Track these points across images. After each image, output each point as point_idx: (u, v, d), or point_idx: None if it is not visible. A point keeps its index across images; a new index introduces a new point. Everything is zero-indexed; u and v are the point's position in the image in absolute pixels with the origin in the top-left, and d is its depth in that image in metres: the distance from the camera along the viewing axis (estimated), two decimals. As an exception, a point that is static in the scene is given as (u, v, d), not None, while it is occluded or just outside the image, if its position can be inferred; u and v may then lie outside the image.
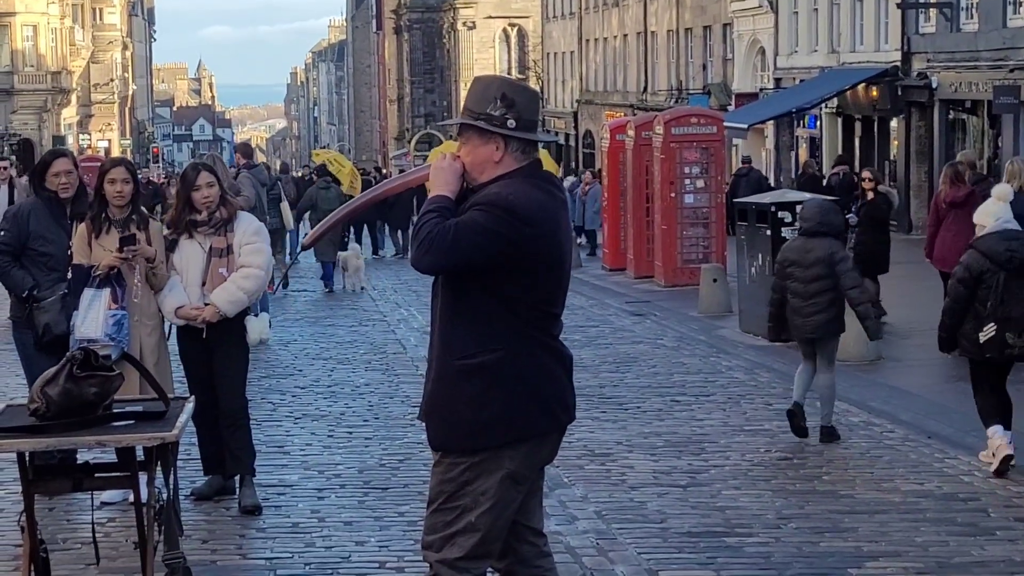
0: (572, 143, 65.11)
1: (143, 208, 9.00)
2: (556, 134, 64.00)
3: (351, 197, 26.33)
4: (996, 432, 9.86)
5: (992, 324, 9.85)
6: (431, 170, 5.42)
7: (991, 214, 10.26)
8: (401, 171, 37.22)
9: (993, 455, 9.85)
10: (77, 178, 9.34)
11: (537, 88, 55.63)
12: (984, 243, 10.07)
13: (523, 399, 5.29)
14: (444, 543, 5.33)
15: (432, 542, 5.37)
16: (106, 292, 8.51)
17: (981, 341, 9.92)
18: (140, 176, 11.76)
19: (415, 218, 25.76)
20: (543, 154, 29.30)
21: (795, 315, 11.06)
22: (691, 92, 48.98)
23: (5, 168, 18.79)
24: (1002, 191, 10.55)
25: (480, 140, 5.32)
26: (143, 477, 6.63)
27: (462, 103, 5.47)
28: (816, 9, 39.87)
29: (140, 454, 6.64)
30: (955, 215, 15.22)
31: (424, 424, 5.48)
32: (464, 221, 5.18)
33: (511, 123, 5.29)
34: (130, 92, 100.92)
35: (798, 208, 13.08)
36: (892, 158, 36.17)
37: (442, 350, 5.36)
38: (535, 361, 5.31)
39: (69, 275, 8.83)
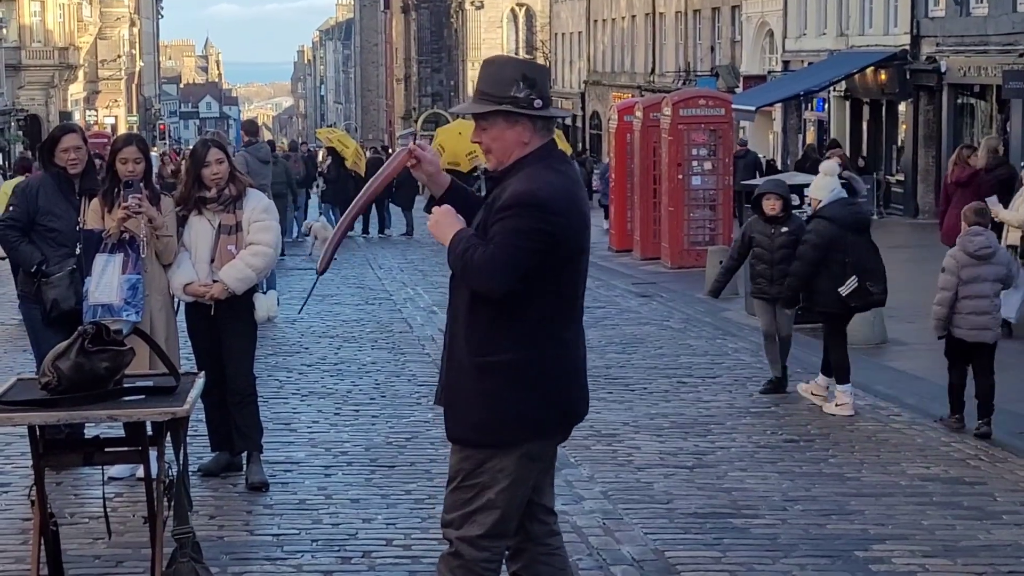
0: (580, 124, 65.01)
1: (155, 184, 9.00)
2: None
3: (291, 174, 26.49)
4: (847, 389, 11.41)
5: (854, 277, 11.27)
6: (430, 227, 5.39)
7: (824, 187, 11.74)
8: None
9: (836, 407, 11.34)
10: (86, 153, 9.34)
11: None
12: (828, 211, 11.49)
13: (539, 400, 5.26)
14: (464, 520, 5.31)
15: (452, 520, 5.36)
16: (119, 257, 8.52)
17: (844, 294, 11.31)
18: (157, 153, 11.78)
19: (421, 197, 25.61)
20: (557, 134, 29.31)
21: (760, 278, 12.22)
22: (699, 74, 48.92)
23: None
24: (829, 167, 12.40)
25: (507, 124, 5.26)
26: (153, 452, 6.65)
27: (472, 87, 5.44)
28: (825, -8, 39.80)
29: (149, 429, 6.66)
30: (961, 194, 16.05)
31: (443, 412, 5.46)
32: (502, 233, 5.11)
33: (538, 103, 5.25)
34: (137, 69, 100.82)
35: (805, 191, 14.39)
36: (900, 142, 36.13)
37: (462, 344, 5.29)
38: (555, 360, 5.28)
39: (80, 243, 8.85)
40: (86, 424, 7.83)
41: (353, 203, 5.90)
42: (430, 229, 5.41)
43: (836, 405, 11.39)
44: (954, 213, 15.47)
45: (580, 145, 59.00)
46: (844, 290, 11.28)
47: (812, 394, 11.78)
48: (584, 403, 5.50)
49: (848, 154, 36.25)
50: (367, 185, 5.81)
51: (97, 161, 9.23)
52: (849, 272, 11.29)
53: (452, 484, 5.38)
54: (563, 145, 30.20)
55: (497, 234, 5.13)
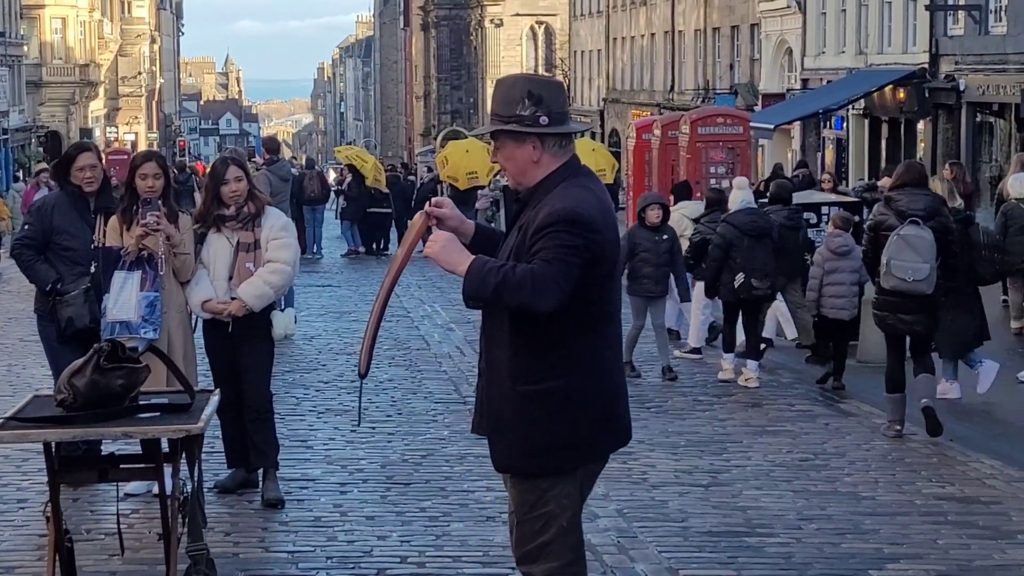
0: (599, 141, 65.03)
1: (173, 202, 9.04)
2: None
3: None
4: (729, 358, 13.91)
5: (741, 274, 13.58)
6: (434, 255, 5.14)
7: (736, 199, 14.25)
8: (429, 169, 37.28)
9: (744, 380, 13.55)
10: (101, 172, 9.38)
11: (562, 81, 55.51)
12: (733, 218, 13.91)
13: (590, 424, 5.20)
14: (540, 552, 5.20)
15: (527, 554, 5.24)
16: (137, 274, 8.55)
17: (735, 287, 13.62)
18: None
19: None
20: (600, 148, 29.18)
21: (646, 279, 14.24)
22: (718, 92, 48.88)
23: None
24: (741, 181, 15.10)
25: (515, 144, 5.19)
26: (168, 469, 6.67)
27: (488, 105, 5.38)
28: (844, 10, 39.77)
29: (165, 446, 6.69)
30: None
31: (487, 442, 5.34)
32: (552, 248, 4.96)
33: (543, 120, 5.15)
34: (157, 86, 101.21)
35: (823, 209, 16.24)
36: (919, 161, 36.07)
37: (507, 373, 5.17)
38: (600, 384, 5.21)
39: (96, 261, 8.88)
40: (102, 441, 7.87)
41: (381, 290, 5.47)
42: (434, 254, 5.14)
43: (744, 380, 13.54)
44: None
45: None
46: (736, 282, 13.61)
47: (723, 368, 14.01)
48: (630, 421, 5.44)
49: (866, 173, 36.27)
50: (390, 267, 5.51)
51: (113, 180, 9.23)
52: (737, 270, 13.57)
53: (519, 516, 5.26)
54: (606, 159, 29.85)
55: (542, 250, 4.99)
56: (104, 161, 9.66)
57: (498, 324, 5.21)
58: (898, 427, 11.19)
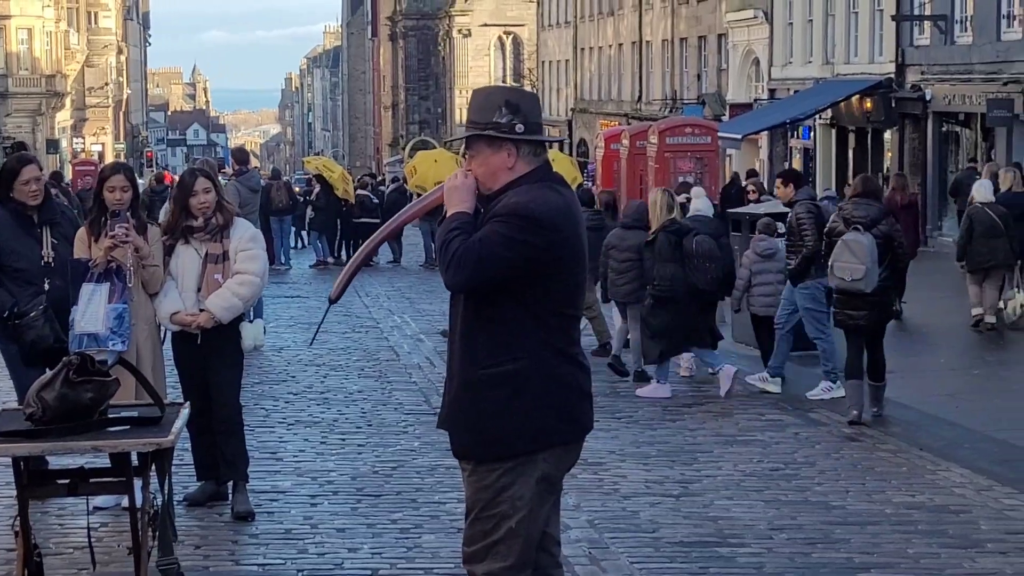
0: (567, 151, 65.12)
1: (142, 213, 9.00)
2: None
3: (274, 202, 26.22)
4: (687, 356, 14.52)
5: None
6: (445, 190, 5.38)
7: (692, 209, 15.37)
8: (395, 179, 37.28)
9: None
10: (44, 183, 9.30)
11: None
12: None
13: (547, 408, 5.26)
14: (487, 552, 5.26)
15: (475, 552, 5.30)
16: (105, 286, 8.50)
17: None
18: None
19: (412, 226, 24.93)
20: (564, 157, 29.28)
21: (612, 285, 14.75)
22: (685, 102, 49.05)
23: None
24: (697, 191, 16.23)
25: (491, 150, 5.32)
26: (138, 482, 6.64)
27: (460, 114, 5.49)
28: (811, 20, 39.96)
29: (135, 459, 6.65)
30: (903, 216, 18.18)
31: (447, 433, 5.43)
32: (488, 235, 5.16)
33: (519, 128, 5.29)
34: (124, 96, 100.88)
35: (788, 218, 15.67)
36: (886, 170, 36.24)
37: (465, 359, 5.30)
38: (558, 370, 5.28)
39: (48, 277, 8.82)
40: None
41: (383, 227, 5.88)
42: (449, 185, 5.37)
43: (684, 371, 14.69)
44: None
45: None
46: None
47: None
48: (591, 415, 5.48)
49: (834, 183, 36.40)
50: (402, 211, 5.82)
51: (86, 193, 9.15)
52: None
53: (470, 516, 5.32)
54: (566, 168, 29.90)
55: (483, 234, 5.17)
56: (71, 172, 9.56)
57: (458, 311, 5.34)
58: (855, 412, 12.01)
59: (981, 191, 18.10)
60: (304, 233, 34.55)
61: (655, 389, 13.63)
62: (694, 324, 13.75)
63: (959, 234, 18.49)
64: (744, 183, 26.63)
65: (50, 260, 9.01)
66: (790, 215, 14.16)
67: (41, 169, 9.44)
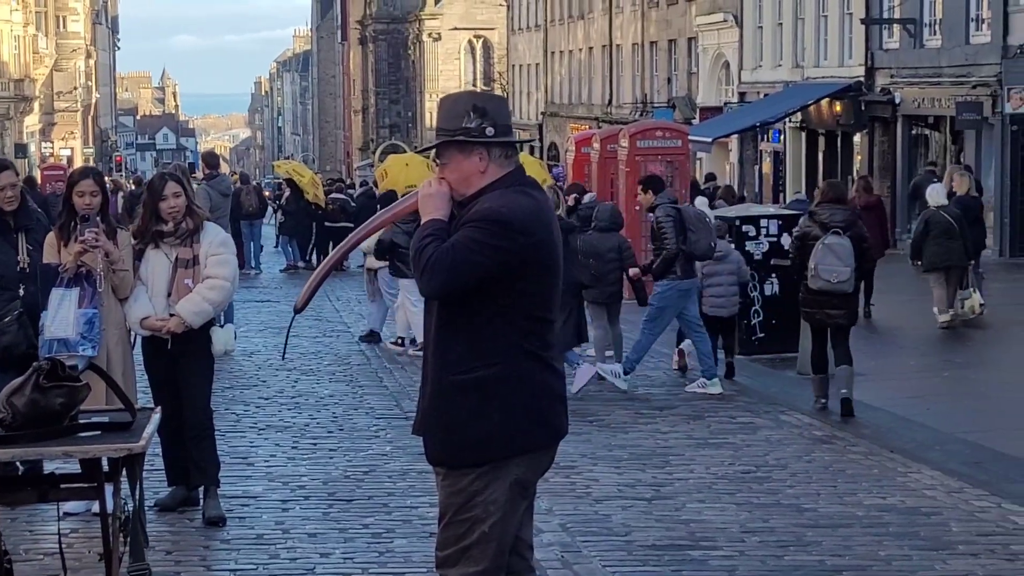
0: (537, 155, 65.15)
1: (112, 218, 8.96)
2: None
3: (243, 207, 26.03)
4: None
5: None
6: (420, 197, 5.36)
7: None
8: (363, 183, 37.23)
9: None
10: (19, 189, 9.26)
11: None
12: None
13: (521, 413, 5.25)
14: (460, 556, 5.26)
15: (447, 557, 5.30)
16: (75, 291, 8.47)
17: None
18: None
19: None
20: (532, 160, 29.32)
21: (593, 289, 14.68)
22: (656, 105, 49.13)
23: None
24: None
25: (462, 155, 5.31)
26: (109, 488, 6.61)
27: (430, 118, 5.48)
28: (781, 24, 40.09)
29: (105, 465, 6.62)
30: (867, 218, 17.98)
31: (421, 439, 5.41)
32: (461, 240, 5.15)
33: (489, 131, 5.29)
34: (93, 100, 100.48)
35: (761, 222, 16.74)
36: (855, 173, 36.35)
37: (439, 365, 5.29)
38: (532, 375, 5.27)
39: (24, 283, 8.79)
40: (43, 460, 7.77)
41: (353, 233, 5.80)
42: (424, 192, 5.34)
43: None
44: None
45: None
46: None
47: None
48: (566, 419, 5.47)
49: (803, 186, 36.50)
50: (374, 216, 5.79)
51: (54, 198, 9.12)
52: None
53: (443, 520, 5.32)
54: (535, 170, 30.07)
55: (456, 239, 5.17)
56: (40, 177, 9.53)
57: (432, 322, 5.33)
58: (823, 401, 12.87)
59: (934, 195, 19.02)
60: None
61: (580, 376, 13.79)
62: (578, 320, 14.29)
63: (913, 234, 19.48)
64: (703, 186, 27.21)
65: (25, 266, 8.97)
66: (652, 219, 14.52)
67: (18, 175, 9.40)
